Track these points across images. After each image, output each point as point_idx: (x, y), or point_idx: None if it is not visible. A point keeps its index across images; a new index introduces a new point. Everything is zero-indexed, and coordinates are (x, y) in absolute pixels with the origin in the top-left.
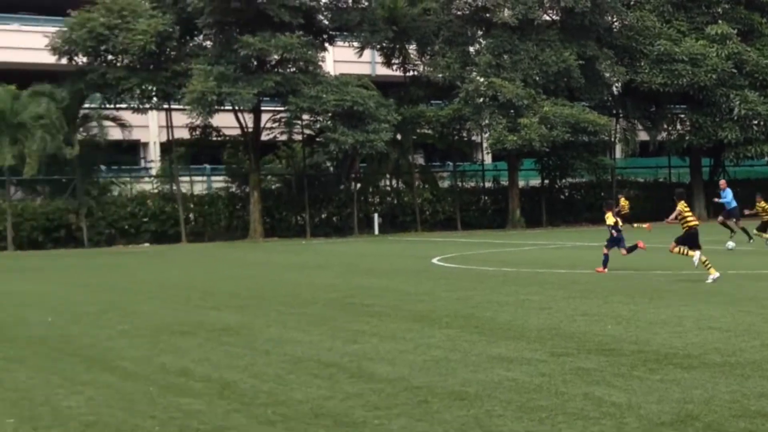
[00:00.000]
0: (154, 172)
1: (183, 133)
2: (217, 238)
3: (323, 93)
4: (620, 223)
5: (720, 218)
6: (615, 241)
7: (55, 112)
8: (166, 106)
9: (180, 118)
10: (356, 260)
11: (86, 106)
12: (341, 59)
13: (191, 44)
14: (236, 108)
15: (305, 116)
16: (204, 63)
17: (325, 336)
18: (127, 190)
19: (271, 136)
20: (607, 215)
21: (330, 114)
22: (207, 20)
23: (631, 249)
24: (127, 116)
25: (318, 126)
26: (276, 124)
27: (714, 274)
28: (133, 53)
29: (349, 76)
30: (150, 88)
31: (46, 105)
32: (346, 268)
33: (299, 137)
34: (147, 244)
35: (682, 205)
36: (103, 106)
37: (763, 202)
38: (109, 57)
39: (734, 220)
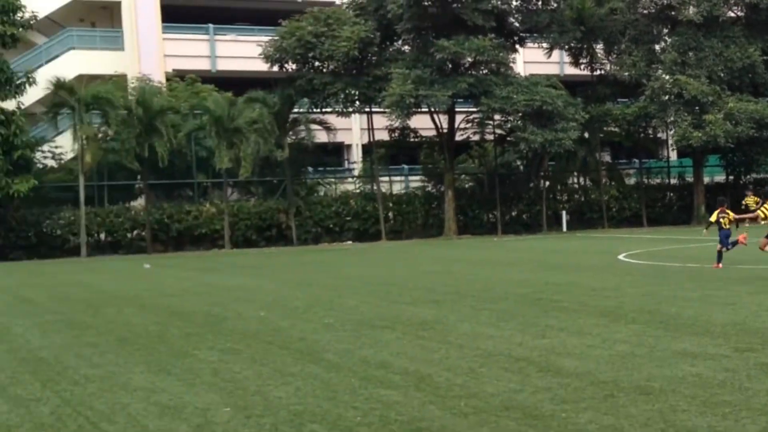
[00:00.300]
0: (356, 172)
1: (383, 135)
2: (414, 236)
3: (514, 93)
4: (727, 224)
5: None
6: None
7: (267, 117)
8: (367, 109)
9: (380, 121)
10: (545, 257)
11: (295, 110)
12: (531, 60)
13: (390, 49)
14: (432, 110)
15: (496, 116)
16: (402, 67)
17: (515, 331)
18: (331, 191)
19: (464, 136)
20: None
21: (520, 114)
22: (405, 26)
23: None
24: (332, 120)
25: (509, 126)
26: (469, 125)
27: None
28: (338, 59)
29: (538, 76)
30: (353, 92)
31: (260, 110)
32: (536, 264)
33: (491, 137)
34: (350, 242)
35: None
36: (310, 111)
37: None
38: (316, 63)
39: None
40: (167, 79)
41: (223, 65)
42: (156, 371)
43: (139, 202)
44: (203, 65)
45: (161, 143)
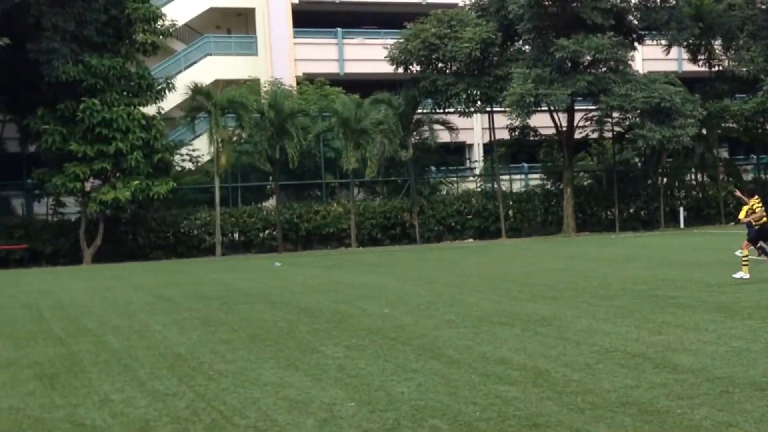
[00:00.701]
0: (477, 171)
1: (503, 134)
2: (533, 234)
3: (632, 91)
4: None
5: None
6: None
7: (392, 118)
8: (488, 108)
9: (501, 120)
10: (662, 253)
11: (419, 111)
12: (649, 57)
13: (511, 49)
14: (551, 108)
15: (615, 114)
16: (522, 66)
17: (631, 327)
18: (453, 189)
19: (583, 134)
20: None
21: (638, 111)
22: (526, 26)
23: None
24: (454, 119)
25: (627, 123)
26: (588, 123)
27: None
28: (460, 60)
29: (656, 73)
30: (474, 92)
31: (385, 111)
32: (653, 260)
33: (609, 134)
34: (471, 240)
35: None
36: (433, 111)
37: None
38: (439, 65)
39: None
40: (297, 83)
41: (351, 68)
42: (285, 366)
43: (271, 203)
44: (332, 68)
45: (292, 145)
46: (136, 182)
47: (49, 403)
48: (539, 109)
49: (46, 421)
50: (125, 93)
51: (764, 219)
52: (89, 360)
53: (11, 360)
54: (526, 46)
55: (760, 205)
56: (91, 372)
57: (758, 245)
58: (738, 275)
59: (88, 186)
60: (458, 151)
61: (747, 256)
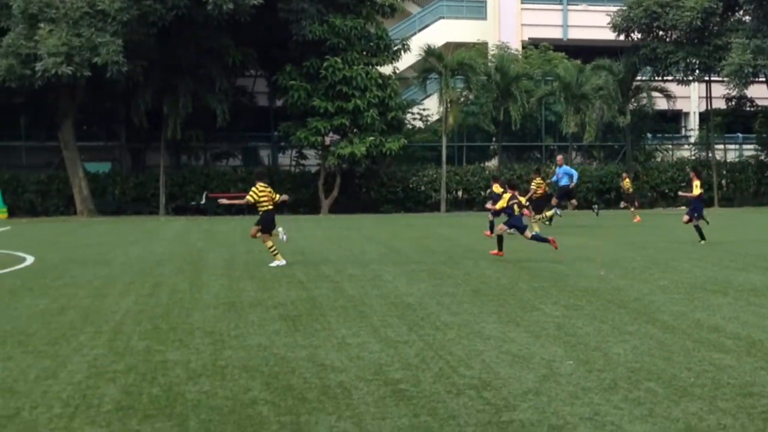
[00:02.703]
0: (692, 140)
1: (720, 104)
2: (746, 204)
3: None
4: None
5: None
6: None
7: (612, 84)
8: (706, 78)
9: (718, 89)
10: None
11: (638, 78)
12: None
13: (732, 19)
14: None
15: None
16: (742, 37)
17: None
18: (668, 157)
19: None
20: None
21: None
22: None
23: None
24: (672, 87)
25: None
26: None
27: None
28: (681, 29)
29: None
30: (693, 61)
31: (605, 78)
32: None
33: None
34: (683, 207)
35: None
36: (652, 79)
37: (539, 179)
38: (660, 33)
39: None
40: (523, 47)
41: (574, 34)
42: (506, 322)
43: (493, 163)
44: (555, 34)
45: (515, 107)
46: (371, 138)
47: (292, 343)
48: (757, 80)
49: (290, 360)
50: (364, 52)
51: None
52: (328, 305)
53: (259, 300)
54: (747, 17)
55: None
56: (330, 316)
57: None
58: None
59: (327, 140)
60: (674, 118)
61: None
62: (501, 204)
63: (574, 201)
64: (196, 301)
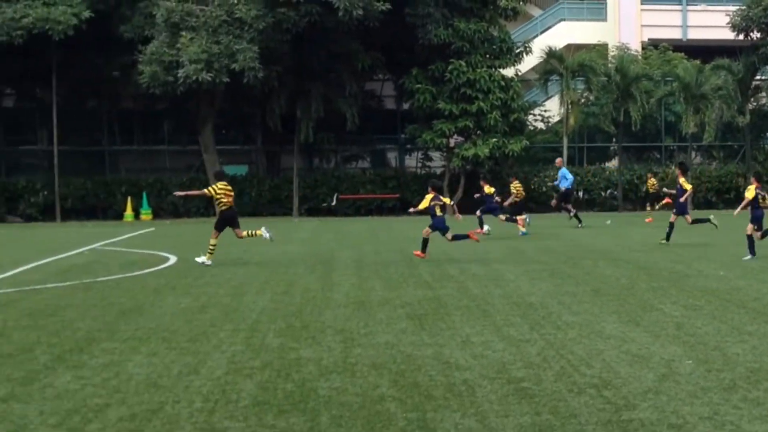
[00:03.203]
0: None
1: None
2: None
3: None
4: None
5: None
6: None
7: (731, 84)
8: None
9: None
10: None
11: (757, 78)
12: None
13: None
14: None
15: None
16: None
17: None
18: None
19: None
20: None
21: None
22: None
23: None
24: None
25: None
26: None
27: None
28: None
29: None
30: None
31: (724, 77)
32: None
33: None
34: None
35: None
36: None
37: (516, 183)
38: None
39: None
40: (642, 48)
41: (693, 34)
42: (626, 321)
43: (613, 163)
44: (675, 34)
45: (635, 108)
46: (494, 140)
47: (418, 341)
48: None
49: (416, 358)
50: (488, 55)
51: None
52: (452, 304)
53: (387, 299)
54: None
55: None
56: (454, 315)
57: None
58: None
59: (452, 142)
60: None
61: None
62: (423, 204)
63: (553, 202)
64: (328, 300)
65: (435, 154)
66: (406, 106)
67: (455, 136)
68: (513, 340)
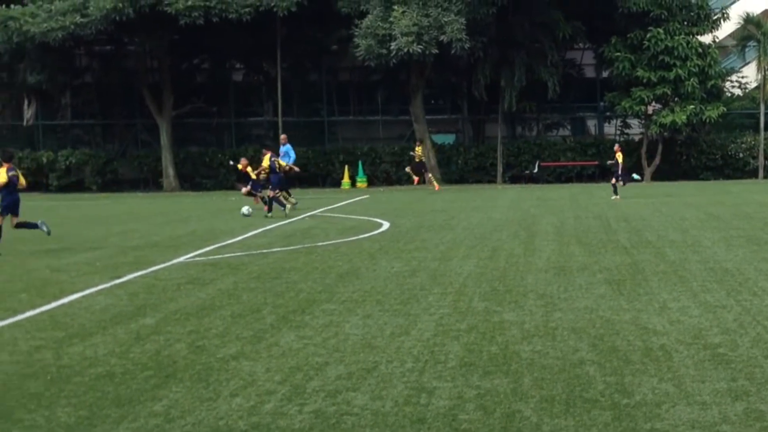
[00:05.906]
0: None
1: None
2: None
3: None
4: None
5: None
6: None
7: None
8: None
9: None
10: None
11: None
12: None
13: None
14: None
15: None
16: None
17: None
18: None
19: None
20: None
21: None
22: None
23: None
24: None
25: None
26: None
27: None
28: None
29: None
30: None
31: None
32: None
33: None
34: None
35: None
36: None
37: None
38: None
39: None
40: None
41: None
42: None
43: None
44: None
45: None
46: (691, 107)
47: (616, 306)
48: None
49: (614, 323)
50: (685, 23)
51: None
52: (650, 269)
53: (586, 265)
54: None
55: None
56: (652, 281)
57: None
58: None
59: (650, 109)
60: None
61: None
62: (264, 164)
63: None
64: (530, 265)
65: (633, 122)
66: (605, 74)
67: (653, 104)
68: (709, 306)
